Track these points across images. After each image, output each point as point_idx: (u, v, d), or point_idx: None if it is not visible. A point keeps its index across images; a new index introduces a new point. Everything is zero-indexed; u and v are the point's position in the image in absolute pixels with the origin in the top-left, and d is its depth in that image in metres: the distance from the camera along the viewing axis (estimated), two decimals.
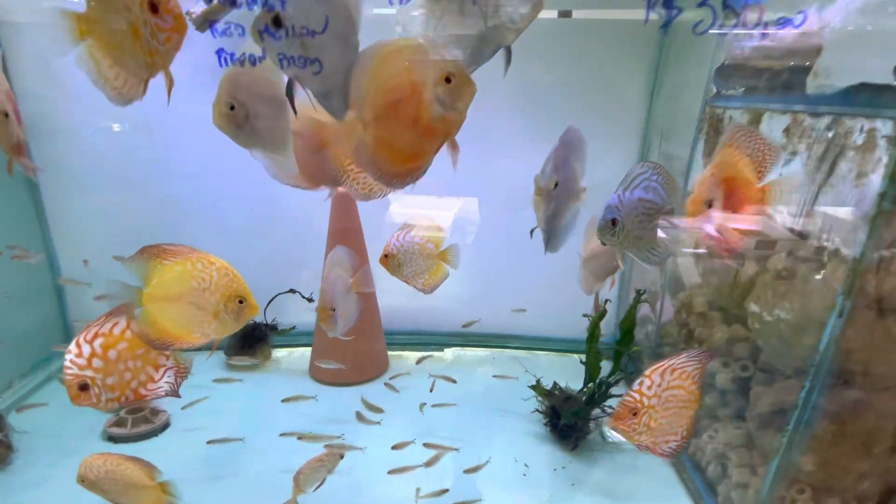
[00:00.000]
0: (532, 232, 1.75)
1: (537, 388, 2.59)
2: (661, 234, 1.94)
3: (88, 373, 1.30)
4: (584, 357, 2.49)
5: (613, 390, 2.43)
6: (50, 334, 3.05)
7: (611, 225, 1.63)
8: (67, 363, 1.29)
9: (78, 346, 1.31)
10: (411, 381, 2.88)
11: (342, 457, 1.93)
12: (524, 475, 2.29)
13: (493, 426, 2.62)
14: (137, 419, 2.47)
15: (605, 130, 2.91)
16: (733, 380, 2.09)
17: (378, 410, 2.48)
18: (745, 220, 1.69)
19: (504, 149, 2.88)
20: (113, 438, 2.42)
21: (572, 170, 1.70)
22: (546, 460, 2.37)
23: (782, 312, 1.80)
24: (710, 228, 1.63)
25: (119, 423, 2.46)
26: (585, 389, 2.49)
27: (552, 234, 1.71)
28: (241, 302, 1.43)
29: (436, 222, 2.09)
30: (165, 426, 2.53)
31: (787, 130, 1.87)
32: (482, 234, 3.10)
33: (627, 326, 2.38)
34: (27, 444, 2.35)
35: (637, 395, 1.32)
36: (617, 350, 2.41)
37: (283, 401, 2.46)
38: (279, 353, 3.26)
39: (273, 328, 3.16)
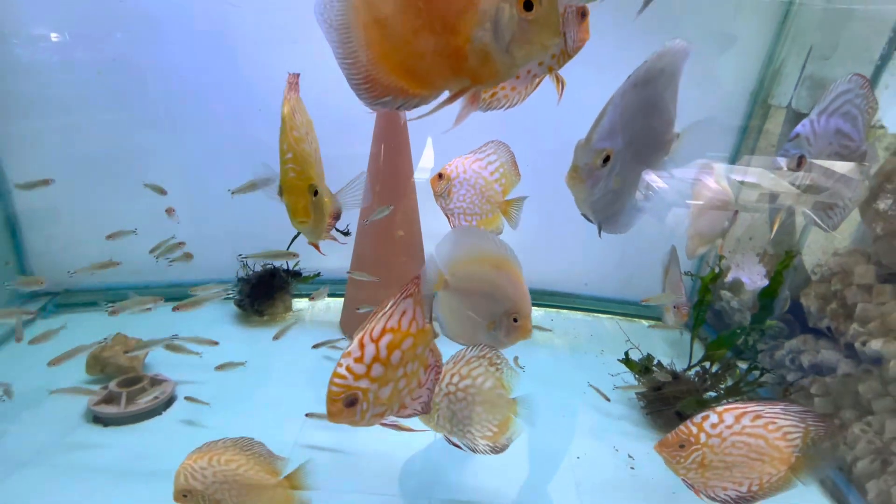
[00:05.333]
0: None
1: (630, 363, 2.14)
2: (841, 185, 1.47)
3: (363, 384, 0.98)
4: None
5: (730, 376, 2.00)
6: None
7: (795, 164, 1.27)
8: (342, 370, 0.97)
9: (361, 346, 0.99)
10: None
11: None
12: (631, 467, 1.87)
13: (578, 409, 2.17)
14: (134, 393, 1.90)
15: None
16: None
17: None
18: None
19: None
20: (101, 420, 1.85)
21: (650, 126, 1.06)
22: (652, 454, 1.95)
23: None
24: None
25: (109, 399, 1.88)
26: (697, 368, 2.06)
27: (611, 218, 1.13)
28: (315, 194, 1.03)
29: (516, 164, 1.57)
30: (170, 401, 1.97)
31: None
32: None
33: (768, 294, 1.92)
34: None
35: (695, 430, 1.18)
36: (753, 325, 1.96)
37: None
38: (299, 304, 2.70)
39: (296, 274, 2.57)
